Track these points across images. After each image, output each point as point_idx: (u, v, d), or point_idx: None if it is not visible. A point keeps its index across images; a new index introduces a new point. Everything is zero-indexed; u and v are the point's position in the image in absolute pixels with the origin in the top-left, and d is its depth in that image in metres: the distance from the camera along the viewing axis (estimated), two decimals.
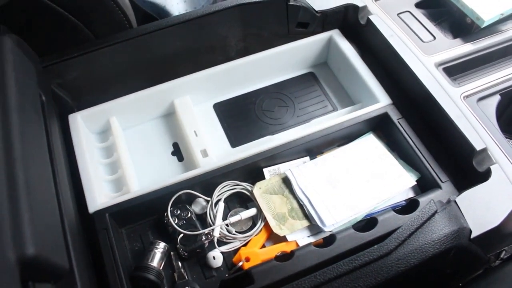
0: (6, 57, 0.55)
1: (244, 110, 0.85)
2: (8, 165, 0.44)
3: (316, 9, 0.83)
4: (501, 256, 0.72)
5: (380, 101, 0.76)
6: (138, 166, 0.77)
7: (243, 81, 0.87)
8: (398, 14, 0.84)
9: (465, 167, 0.66)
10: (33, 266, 0.41)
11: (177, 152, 0.79)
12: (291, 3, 0.81)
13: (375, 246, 0.54)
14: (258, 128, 0.83)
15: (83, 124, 0.77)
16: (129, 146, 0.79)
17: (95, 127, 0.80)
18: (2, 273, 0.37)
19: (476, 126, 0.67)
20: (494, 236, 0.61)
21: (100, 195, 0.68)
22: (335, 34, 0.86)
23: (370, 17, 0.82)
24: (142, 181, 0.75)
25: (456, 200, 0.60)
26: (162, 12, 0.98)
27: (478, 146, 0.64)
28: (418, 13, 0.85)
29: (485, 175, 0.63)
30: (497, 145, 0.66)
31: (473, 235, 0.58)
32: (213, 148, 0.77)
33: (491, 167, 0.63)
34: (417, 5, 0.87)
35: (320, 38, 0.87)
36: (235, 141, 0.81)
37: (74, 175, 0.69)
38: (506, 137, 0.79)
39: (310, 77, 0.90)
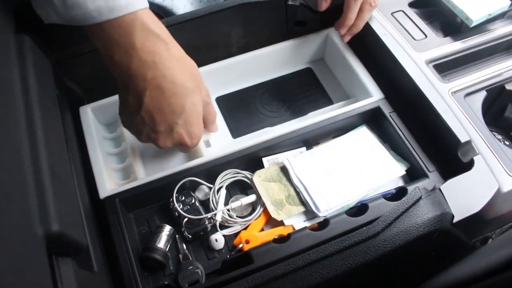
0: (26, 54, 0.59)
1: (245, 103, 0.89)
2: (33, 152, 0.48)
3: (314, 8, 0.87)
4: (488, 242, 0.76)
5: (373, 96, 0.79)
6: (145, 156, 0.81)
7: (244, 76, 0.91)
8: (392, 13, 0.88)
9: (451, 157, 0.70)
10: (57, 241, 0.45)
11: None
12: (290, 3, 0.85)
13: (364, 228, 0.58)
14: (258, 120, 0.86)
15: (93, 116, 0.81)
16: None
17: (105, 119, 0.84)
18: (32, 247, 0.42)
19: (462, 120, 0.71)
20: (476, 221, 0.65)
21: (110, 182, 0.72)
22: (332, 32, 0.89)
23: None
24: (149, 170, 0.79)
25: (441, 187, 0.64)
26: (169, 15, 1.01)
27: (463, 139, 0.68)
28: (411, 12, 0.88)
29: (469, 165, 0.67)
30: (481, 138, 0.70)
31: (455, 220, 0.62)
32: (216, 139, 0.80)
33: (475, 158, 0.67)
34: (410, 5, 0.90)
35: (317, 36, 0.90)
36: (236, 132, 0.84)
37: (86, 163, 0.73)
38: (492, 130, 0.84)
39: (307, 73, 0.94)
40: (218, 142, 0.81)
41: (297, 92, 0.91)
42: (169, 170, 0.72)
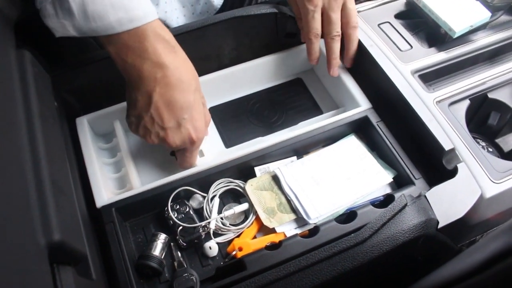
0: (27, 68, 0.61)
1: (237, 114, 0.91)
2: (34, 163, 0.50)
3: None
4: None
5: (361, 106, 0.82)
6: (140, 166, 0.82)
7: (236, 87, 0.93)
8: (378, 25, 0.90)
9: (436, 165, 0.72)
10: (58, 250, 0.46)
11: None
12: (279, 16, 0.87)
13: (352, 234, 0.61)
14: (250, 130, 0.89)
15: (89, 127, 0.82)
16: (131, 147, 0.85)
17: (100, 130, 0.86)
18: (35, 255, 0.44)
19: (446, 128, 0.74)
20: (461, 226, 0.68)
21: (106, 191, 0.73)
22: (321, 43, 0.92)
23: None
24: (144, 179, 0.80)
25: (426, 194, 0.67)
26: None
27: (447, 147, 0.71)
28: (397, 24, 0.90)
29: (453, 172, 0.69)
30: (465, 145, 0.72)
31: (440, 225, 0.64)
32: (209, 149, 0.82)
33: (458, 165, 0.70)
34: (396, 16, 0.92)
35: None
36: (229, 142, 0.86)
37: (83, 174, 0.75)
38: (477, 137, 0.87)
39: (298, 83, 0.97)
40: (212, 151, 0.83)
41: (288, 102, 0.93)
42: (164, 180, 0.74)
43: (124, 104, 0.79)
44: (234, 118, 0.91)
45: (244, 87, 0.94)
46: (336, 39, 0.84)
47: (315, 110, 0.92)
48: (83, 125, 0.81)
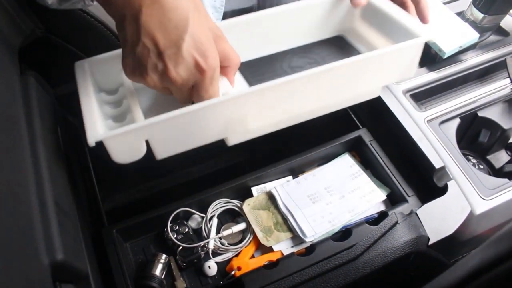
0: (31, 94, 0.64)
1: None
2: (38, 187, 0.53)
3: None
4: None
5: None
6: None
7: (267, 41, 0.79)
8: None
9: (427, 182, 0.75)
10: (61, 269, 0.48)
11: None
12: None
13: (344, 252, 0.63)
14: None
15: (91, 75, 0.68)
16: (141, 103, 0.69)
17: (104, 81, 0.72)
18: (38, 274, 0.46)
19: (437, 147, 0.76)
20: (452, 243, 0.69)
21: (103, 127, 0.61)
22: None
23: None
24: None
25: (417, 211, 0.69)
26: None
27: (437, 165, 0.73)
28: None
29: (444, 190, 0.71)
30: (455, 163, 0.74)
31: (430, 242, 0.66)
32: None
33: (448, 183, 0.72)
34: None
35: None
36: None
37: (88, 193, 0.77)
38: (468, 154, 0.89)
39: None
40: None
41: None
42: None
43: None
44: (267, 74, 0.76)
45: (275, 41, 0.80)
46: None
47: None
48: (84, 70, 0.68)
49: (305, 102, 0.66)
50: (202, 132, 0.62)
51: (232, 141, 0.65)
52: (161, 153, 0.62)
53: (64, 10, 0.73)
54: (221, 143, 0.65)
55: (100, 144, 0.57)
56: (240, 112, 0.62)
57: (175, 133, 0.61)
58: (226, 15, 1.00)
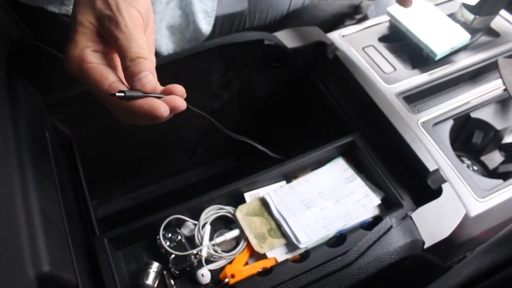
0: (20, 101, 0.63)
1: None
2: (24, 197, 0.52)
3: (289, 46, 0.91)
4: None
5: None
6: None
7: None
8: (363, 48, 0.93)
9: (422, 185, 0.74)
10: (48, 281, 0.47)
11: None
12: (266, 43, 0.90)
13: (338, 258, 0.62)
14: None
15: None
16: None
17: None
18: (24, 287, 0.45)
19: (430, 149, 0.75)
20: (447, 245, 0.69)
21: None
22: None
23: (337, 52, 0.90)
24: None
25: (412, 215, 0.68)
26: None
27: (431, 167, 0.72)
28: (381, 47, 0.93)
29: (438, 192, 0.71)
30: (449, 165, 0.74)
31: (426, 245, 0.65)
32: None
33: (443, 185, 0.71)
34: (380, 39, 0.95)
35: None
36: None
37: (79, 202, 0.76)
38: (462, 156, 0.89)
39: None
40: None
41: None
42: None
43: None
44: None
45: None
46: None
47: None
48: None
49: None
50: None
51: None
52: None
53: (52, 17, 0.72)
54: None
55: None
56: None
57: None
58: (218, 20, 1.00)
